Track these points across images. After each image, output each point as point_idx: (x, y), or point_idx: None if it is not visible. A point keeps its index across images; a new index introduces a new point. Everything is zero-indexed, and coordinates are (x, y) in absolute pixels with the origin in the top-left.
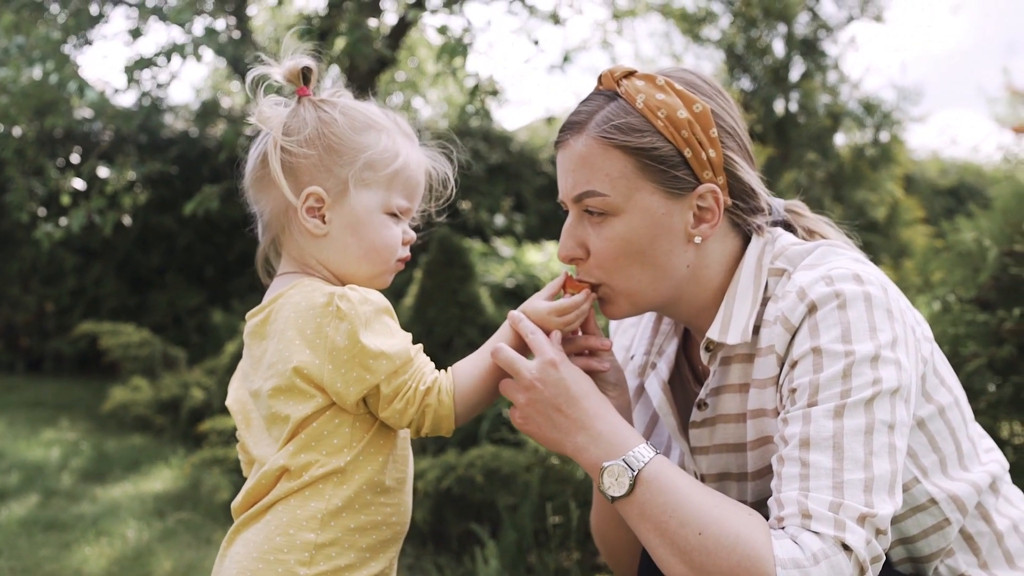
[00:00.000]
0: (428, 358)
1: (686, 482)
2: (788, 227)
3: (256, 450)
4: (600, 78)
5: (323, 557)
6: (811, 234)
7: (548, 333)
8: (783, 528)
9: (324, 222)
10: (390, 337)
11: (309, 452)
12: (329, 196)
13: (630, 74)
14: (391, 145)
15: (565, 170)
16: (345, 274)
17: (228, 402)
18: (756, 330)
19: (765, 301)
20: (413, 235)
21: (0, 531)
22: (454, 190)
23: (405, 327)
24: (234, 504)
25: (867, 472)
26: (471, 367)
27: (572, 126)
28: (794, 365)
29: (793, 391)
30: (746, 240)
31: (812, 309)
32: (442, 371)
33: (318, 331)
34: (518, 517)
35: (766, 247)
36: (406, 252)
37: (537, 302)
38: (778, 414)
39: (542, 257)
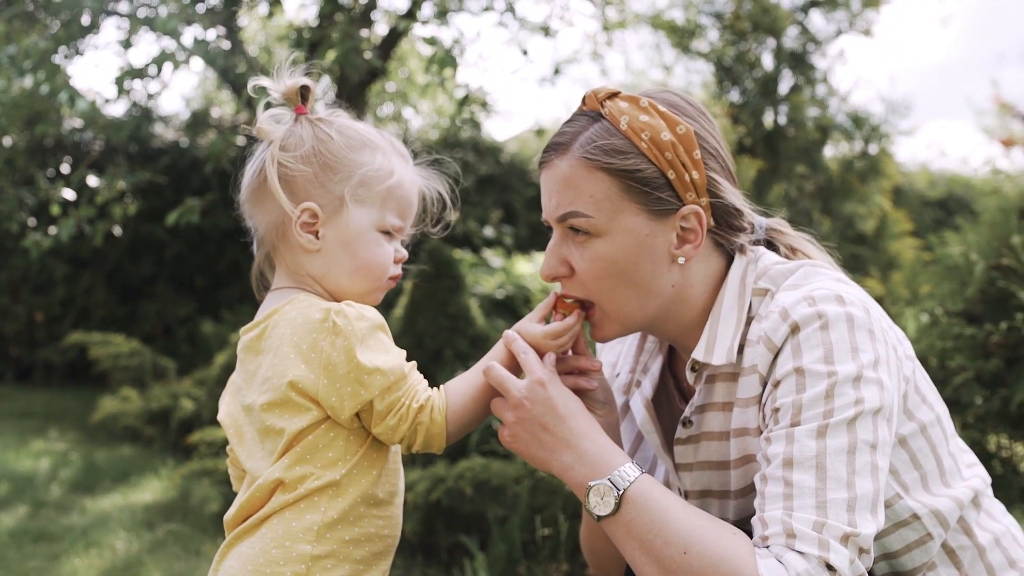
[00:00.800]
0: (422, 376)
1: (671, 501)
2: (770, 245)
3: (249, 463)
4: (584, 99)
5: (319, 569)
6: (793, 252)
7: (542, 354)
8: (767, 547)
9: (317, 238)
10: (385, 353)
11: (304, 465)
12: (323, 212)
13: (614, 95)
14: (385, 164)
15: (549, 190)
16: (337, 290)
17: (220, 416)
18: (740, 349)
19: (749, 321)
20: (405, 253)
21: None
22: (450, 209)
23: (394, 338)
24: (227, 517)
25: (850, 491)
26: (464, 385)
27: (556, 147)
28: (777, 385)
29: (776, 411)
30: (729, 259)
31: (795, 330)
32: (435, 389)
33: (314, 346)
34: (507, 529)
35: (749, 267)
36: (397, 270)
37: (530, 325)
38: (760, 433)
39: (532, 268)
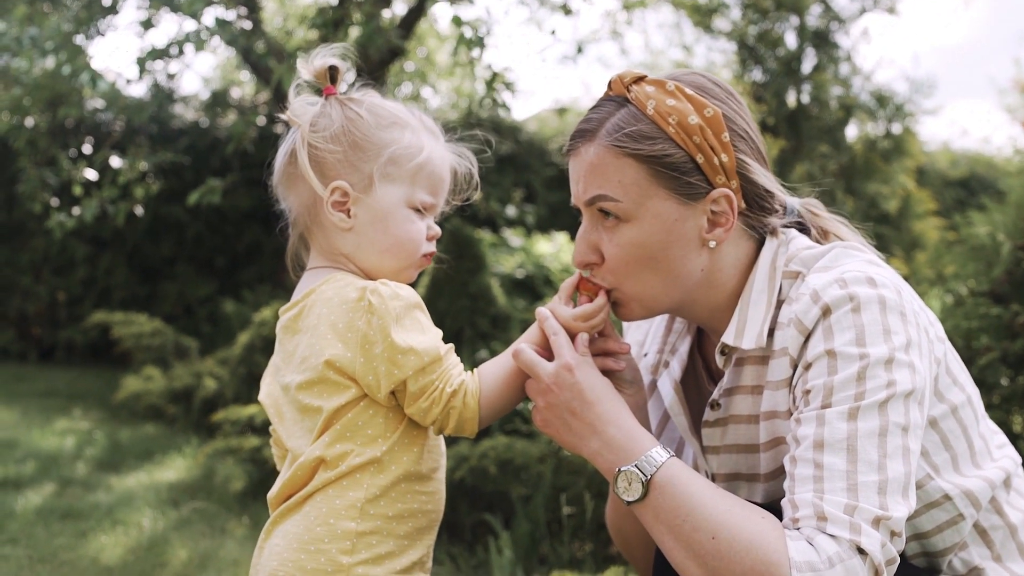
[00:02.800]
0: (458, 359)
1: (700, 485)
2: (802, 227)
3: (290, 442)
4: (610, 84)
5: (364, 545)
6: (825, 234)
7: (573, 336)
8: (798, 529)
9: (349, 216)
10: (421, 333)
11: (345, 442)
12: (354, 190)
13: (640, 79)
14: (415, 141)
15: (577, 177)
16: (371, 268)
17: (261, 396)
18: (771, 333)
19: (780, 303)
20: (438, 230)
21: (17, 520)
22: (479, 185)
23: None
24: (270, 496)
25: (881, 474)
26: (497, 369)
27: (583, 134)
28: (808, 367)
29: (807, 393)
30: (760, 242)
31: (826, 312)
32: (469, 373)
33: (350, 325)
34: (531, 508)
35: (779, 249)
36: (431, 247)
37: (561, 307)
38: (791, 416)
39: (552, 248)
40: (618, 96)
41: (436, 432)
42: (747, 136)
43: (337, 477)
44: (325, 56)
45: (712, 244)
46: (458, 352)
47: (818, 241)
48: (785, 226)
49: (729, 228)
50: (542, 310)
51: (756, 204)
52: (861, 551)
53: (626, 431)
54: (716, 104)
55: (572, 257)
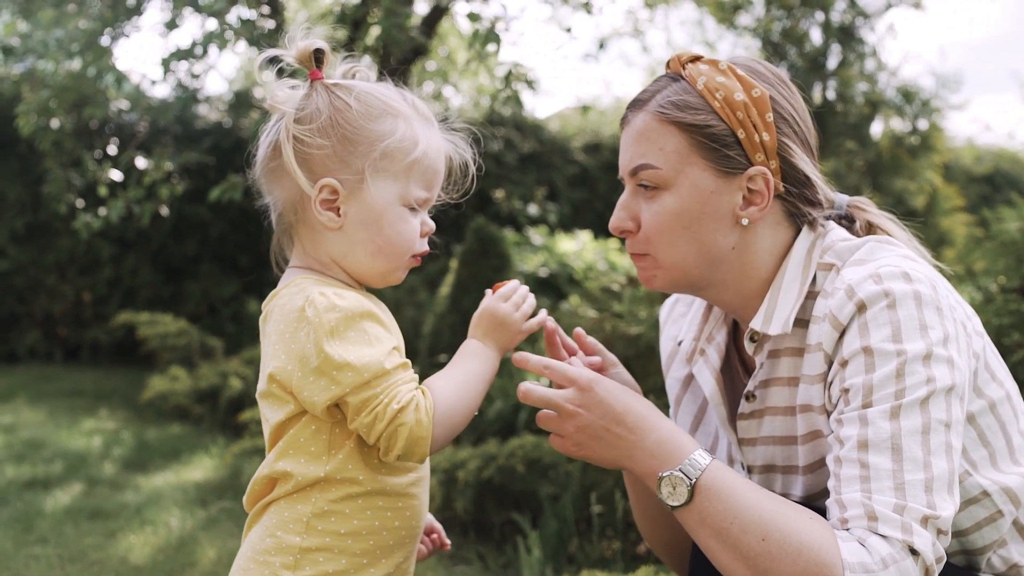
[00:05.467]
0: (412, 374)
1: (744, 487)
2: (851, 223)
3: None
4: (668, 63)
5: (309, 562)
6: (871, 229)
7: (518, 333)
8: (847, 530)
9: (339, 215)
10: (365, 346)
11: (287, 460)
12: (344, 188)
13: (696, 59)
14: (409, 133)
15: (625, 146)
16: (359, 269)
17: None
18: (805, 324)
19: (814, 295)
20: (432, 225)
21: (46, 519)
22: (475, 176)
23: (440, 317)
24: (244, 499)
25: (927, 472)
26: (449, 384)
27: (635, 104)
28: (844, 364)
29: (846, 391)
30: (798, 232)
31: (861, 308)
32: (419, 389)
33: (293, 336)
34: (560, 507)
35: (817, 240)
36: (424, 245)
37: (481, 305)
38: (825, 411)
39: (575, 246)
40: (674, 73)
41: (383, 455)
42: (792, 121)
43: (293, 489)
44: (310, 37)
45: (745, 222)
46: None
47: (859, 235)
48: (827, 219)
49: (764, 207)
50: (516, 355)
51: (796, 190)
52: (913, 551)
53: (665, 434)
54: (765, 87)
55: (609, 223)
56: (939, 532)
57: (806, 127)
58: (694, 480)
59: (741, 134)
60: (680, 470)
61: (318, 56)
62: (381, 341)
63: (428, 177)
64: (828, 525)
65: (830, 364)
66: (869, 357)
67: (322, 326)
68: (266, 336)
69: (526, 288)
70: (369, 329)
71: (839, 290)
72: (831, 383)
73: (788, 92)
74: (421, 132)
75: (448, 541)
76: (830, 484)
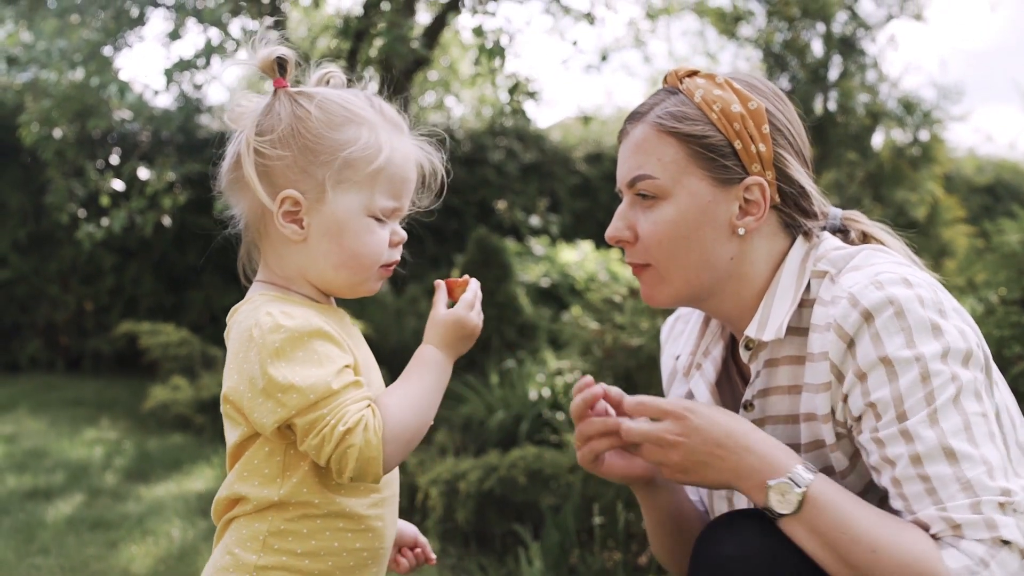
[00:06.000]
0: (362, 393)
1: (849, 498)
2: (845, 234)
3: None
4: (665, 77)
5: None
6: (866, 239)
7: (473, 330)
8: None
9: (302, 227)
10: (313, 367)
11: (242, 482)
12: (306, 199)
13: (693, 73)
14: (373, 140)
15: (623, 157)
16: (324, 282)
17: None
18: (804, 332)
19: (810, 303)
20: (403, 235)
21: (48, 529)
22: (445, 182)
23: None
24: (212, 514)
25: (985, 463)
26: (404, 400)
27: (633, 116)
28: (863, 377)
29: (871, 406)
30: (794, 243)
31: (868, 317)
32: (369, 409)
33: (245, 356)
34: (561, 518)
35: (811, 250)
36: (395, 255)
37: (447, 312)
38: (832, 421)
39: (576, 256)
40: (671, 87)
41: (336, 477)
42: (788, 133)
43: (247, 511)
44: (272, 45)
45: (741, 231)
46: (484, 361)
47: (855, 243)
48: (822, 230)
49: (760, 218)
50: (613, 393)
51: (791, 200)
52: (1005, 542)
53: (768, 448)
54: (761, 100)
55: (606, 232)
56: (1016, 511)
57: (801, 139)
58: (804, 488)
59: (738, 145)
60: (789, 478)
61: (281, 64)
62: (331, 360)
63: (395, 186)
64: (929, 536)
65: (838, 375)
66: (889, 367)
67: (266, 347)
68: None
69: (478, 285)
70: (318, 348)
71: (840, 298)
72: (847, 395)
73: (783, 105)
74: (386, 139)
75: (433, 556)
76: (897, 505)
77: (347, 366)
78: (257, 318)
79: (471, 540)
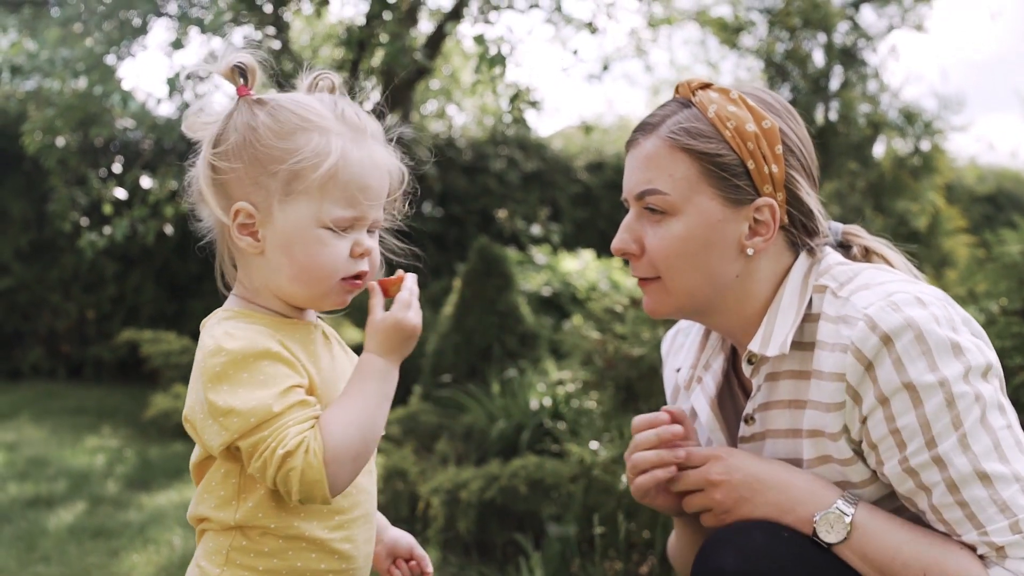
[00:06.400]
0: (308, 414)
1: (896, 523)
2: (846, 249)
3: None
4: (677, 87)
5: None
6: (868, 253)
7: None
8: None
9: (257, 240)
10: (256, 389)
11: (202, 504)
12: (260, 211)
13: (706, 86)
14: (321, 146)
15: (632, 168)
16: (286, 296)
17: None
18: (808, 347)
19: (814, 318)
20: (367, 245)
21: (49, 538)
22: (416, 187)
23: (443, 337)
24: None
25: (1019, 481)
26: (346, 416)
27: (644, 127)
28: (884, 402)
29: (896, 432)
30: (797, 258)
31: (887, 341)
32: (312, 430)
33: (194, 378)
34: (561, 527)
35: (813, 266)
36: (360, 266)
37: (384, 315)
38: (848, 440)
39: (578, 265)
40: (683, 98)
41: (286, 499)
42: (800, 154)
43: (212, 526)
44: (233, 54)
45: (750, 252)
46: (485, 371)
47: (858, 260)
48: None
49: (769, 239)
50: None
51: (799, 222)
52: None
53: (808, 482)
54: (775, 119)
55: (612, 244)
56: None
57: (811, 159)
58: (851, 517)
59: (751, 165)
60: (836, 508)
61: (241, 71)
62: (275, 381)
63: (349, 194)
64: (975, 556)
65: (855, 396)
66: (913, 393)
67: (207, 371)
68: None
69: (414, 280)
70: (264, 369)
71: (856, 319)
72: (867, 418)
73: (795, 124)
74: (337, 145)
75: (430, 569)
76: (940, 529)
77: (295, 386)
78: (202, 340)
79: (472, 549)
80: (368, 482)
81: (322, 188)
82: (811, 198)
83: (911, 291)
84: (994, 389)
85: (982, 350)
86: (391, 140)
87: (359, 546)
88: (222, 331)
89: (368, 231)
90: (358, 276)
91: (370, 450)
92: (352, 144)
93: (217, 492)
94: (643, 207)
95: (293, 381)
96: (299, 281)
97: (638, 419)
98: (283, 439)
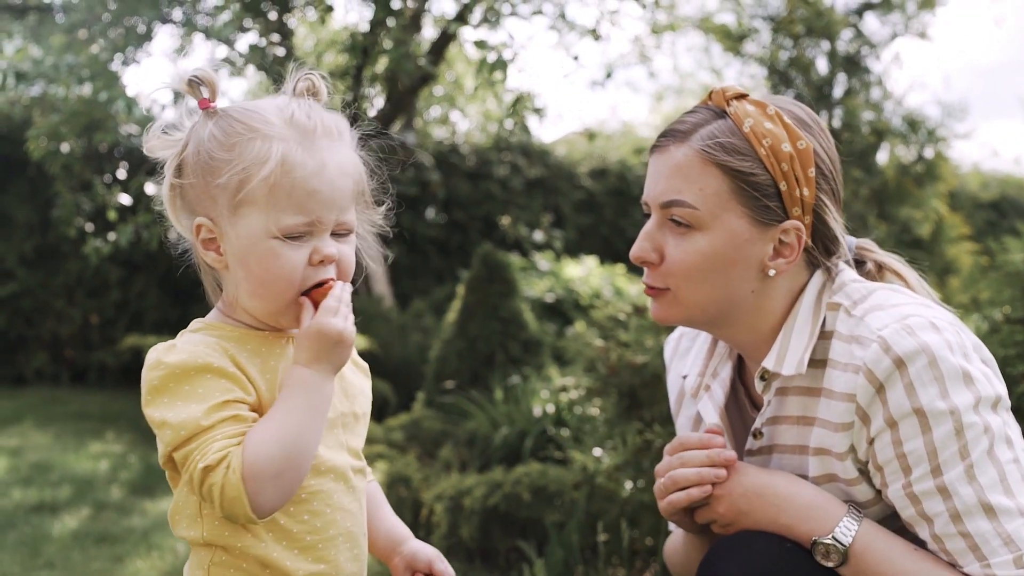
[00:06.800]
0: (240, 427)
1: (897, 549)
2: (860, 263)
3: None
4: (710, 94)
5: None
6: (881, 269)
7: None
8: None
9: (220, 254)
10: (191, 403)
11: (175, 516)
12: (217, 225)
13: (742, 96)
14: (262, 153)
15: (658, 174)
16: (251, 311)
17: None
18: (820, 365)
19: (827, 336)
20: (327, 251)
21: (54, 543)
22: (389, 189)
23: (447, 343)
24: None
25: (1023, 516)
26: (267, 432)
27: (674, 134)
28: (893, 425)
29: (902, 456)
30: (812, 275)
31: (900, 365)
32: (238, 445)
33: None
34: (565, 534)
35: (827, 283)
36: (322, 274)
37: (310, 322)
38: (854, 460)
39: (581, 271)
40: (717, 107)
41: (222, 516)
42: (831, 177)
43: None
44: (193, 66)
45: (772, 272)
46: (488, 377)
47: (872, 277)
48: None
49: (792, 261)
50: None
51: (822, 244)
52: None
53: (811, 499)
54: (810, 139)
55: (631, 252)
56: None
57: (839, 181)
58: (847, 547)
59: (783, 186)
60: (833, 537)
61: (196, 84)
62: (211, 396)
63: (296, 200)
64: None
65: (864, 416)
66: (922, 419)
67: (146, 385)
68: None
69: (347, 288)
70: (202, 383)
71: (869, 340)
72: (874, 439)
73: (827, 143)
74: (277, 150)
75: None
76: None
77: (233, 401)
78: (147, 354)
79: (475, 556)
80: (350, 501)
81: (268, 197)
82: (837, 225)
83: (926, 315)
84: (1002, 422)
85: (991, 381)
86: (368, 138)
87: (340, 566)
88: (167, 345)
89: (338, 235)
90: (318, 285)
91: (296, 467)
92: (297, 147)
93: (184, 510)
94: (667, 217)
95: (231, 396)
96: (257, 295)
97: (687, 439)
98: (206, 453)
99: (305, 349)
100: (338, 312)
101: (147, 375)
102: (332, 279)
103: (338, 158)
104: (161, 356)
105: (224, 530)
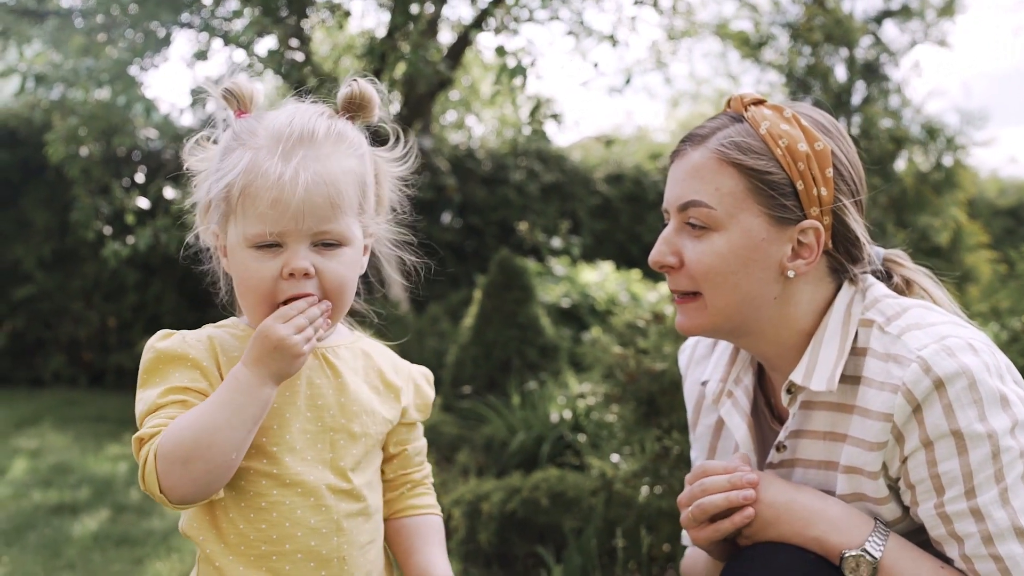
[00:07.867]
0: (179, 411)
1: (925, 565)
2: (887, 276)
3: None
4: (729, 101)
5: None
6: (909, 284)
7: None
8: None
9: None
10: (159, 385)
11: (182, 517)
12: (222, 233)
13: (760, 102)
14: (231, 164)
15: (676, 179)
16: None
17: None
18: (854, 382)
19: (861, 352)
20: (296, 265)
21: (74, 545)
22: (391, 194)
23: (463, 348)
24: None
25: None
26: (188, 417)
27: (693, 138)
28: (929, 445)
29: (936, 477)
30: (839, 288)
31: (940, 386)
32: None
33: None
34: (583, 540)
35: (856, 296)
36: (296, 288)
37: (270, 325)
38: (886, 479)
39: (597, 277)
40: (735, 113)
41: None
42: (851, 178)
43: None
44: (232, 78)
45: (791, 274)
46: (505, 382)
47: (900, 291)
48: (869, 273)
49: (811, 262)
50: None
51: (843, 247)
52: None
53: (841, 513)
54: (828, 141)
55: (650, 256)
56: None
57: (860, 184)
58: (877, 560)
59: (800, 185)
60: (864, 550)
61: (235, 97)
62: (177, 380)
63: (259, 210)
64: None
65: (899, 435)
66: (959, 440)
67: (140, 365)
68: None
69: (318, 307)
70: (176, 370)
71: (908, 360)
72: (908, 458)
73: (847, 147)
74: (245, 159)
75: None
76: None
77: (193, 390)
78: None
79: (493, 562)
80: (320, 520)
81: (242, 206)
82: (858, 225)
83: (963, 336)
84: None
85: None
86: (381, 144)
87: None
88: (164, 332)
89: (326, 245)
90: (289, 300)
91: (206, 458)
92: (267, 156)
93: None
94: (684, 221)
95: (193, 385)
96: (244, 300)
97: (710, 466)
98: (143, 426)
99: (249, 349)
100: (289, 320)
101: (143, 357)
102: (310, 294)
103: (316, 167)
104: (154, 342)
105: (193, 521)
